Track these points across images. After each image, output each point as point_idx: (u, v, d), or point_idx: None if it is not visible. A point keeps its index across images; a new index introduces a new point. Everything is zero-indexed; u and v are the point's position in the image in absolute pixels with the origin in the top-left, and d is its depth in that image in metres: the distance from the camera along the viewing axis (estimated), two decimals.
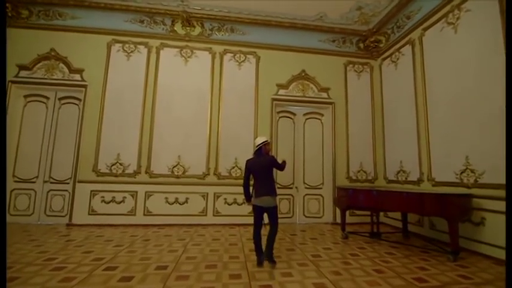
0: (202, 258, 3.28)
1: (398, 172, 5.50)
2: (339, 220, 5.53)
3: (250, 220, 5.40)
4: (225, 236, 4.48)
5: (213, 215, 5.35)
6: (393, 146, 5.74)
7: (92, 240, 4.01)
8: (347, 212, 5.02)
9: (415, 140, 5.06)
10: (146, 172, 5.33)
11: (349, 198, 4.39)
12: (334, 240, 4.30)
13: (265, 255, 3.07)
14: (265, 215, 3.24)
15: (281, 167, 3.31)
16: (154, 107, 5.53)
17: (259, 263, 3.03)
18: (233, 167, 5.57)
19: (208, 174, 5.48)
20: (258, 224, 3.17)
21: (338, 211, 5.45)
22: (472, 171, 3.90)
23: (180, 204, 5.30)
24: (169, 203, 5.27)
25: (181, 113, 5.58)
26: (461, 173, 4.07)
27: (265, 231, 3.26)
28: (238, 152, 5.62)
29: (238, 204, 5.45)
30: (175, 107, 5.59)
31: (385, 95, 6.19)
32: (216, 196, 5.41)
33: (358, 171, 6.02)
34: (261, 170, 3.22)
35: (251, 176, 3.32)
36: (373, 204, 4.02)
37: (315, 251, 3.70)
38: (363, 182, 5.99)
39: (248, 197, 3.33)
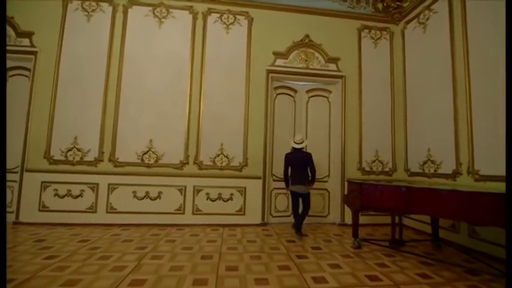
0: (153, 284, 2.28)
1: (425, 162, 4.37)
2: (348, 221, 4.49)
3: (238, 220, 4.42)
4: (202, 242, 3.48)
5: (193, 214, 4.35)
6: (418, 129, 4.59)
7: (25, 248, 3.05)
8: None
9: (451, 121, 3.90)
10: (110, 160, 4.32)
11: (365, 195, 3.30)
12: (343, 251, 3.26)
13: (294, 227, 3.96)
14: None
15: (313, 170, 3.99)
16: (121, 80, 4.46)
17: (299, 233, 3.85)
18: (218, 155, 4.51)
19: (187, 163, 4.44)
20: (295, 206, 3.98)
21: (348, 210, 4.39)
22: None
23: (151, 199, 4.30)
24: (138, 198, 4.28)
25: (154, 88, 4.50)
26: None
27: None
28: (225, 136, 4.55)
29: (223, 201, 4.43)
30: (147, 80, 4.51)
31: (408, 67, 4.98)
32: (197, 190, 4.40)
33: (373, 161, 4.91)
34: (298, 164, 3.92)
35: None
36: (400, 206, 2.93)
37: (319, 269, 2.66)
38: (378, 174, 4.89)
39: (287, 184, 4.10)
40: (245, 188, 4.48)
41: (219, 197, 4.42)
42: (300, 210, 4.00)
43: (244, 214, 4.44)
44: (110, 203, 4.24)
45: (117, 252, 3.00)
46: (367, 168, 4.87)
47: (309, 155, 3.96)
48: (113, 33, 4.54)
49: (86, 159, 4.30)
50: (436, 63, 4.27)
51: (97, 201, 4.22)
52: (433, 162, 4.25)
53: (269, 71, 4.75)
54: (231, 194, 4.45)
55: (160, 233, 3.86)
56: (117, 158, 4.33)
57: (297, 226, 3.87)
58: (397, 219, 3.64)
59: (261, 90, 4.71)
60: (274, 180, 4.81)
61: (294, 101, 5.14)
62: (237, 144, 4.56)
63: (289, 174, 4.06)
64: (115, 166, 4.32)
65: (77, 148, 4.30)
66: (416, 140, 4.65)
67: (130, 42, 4.54)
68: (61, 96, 4.35)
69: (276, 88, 4.99)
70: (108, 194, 4.24)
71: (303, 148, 4.00)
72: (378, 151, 4.93)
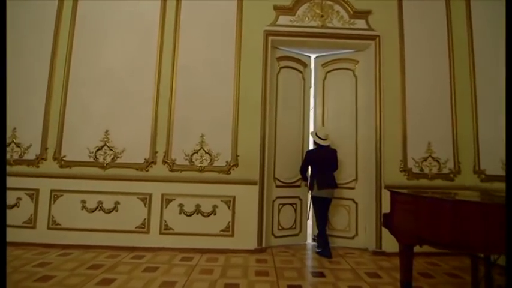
0: None
1: None
2: (387, 248, 3.03)
3: (224, 243, 3.05)
4: (152, 286, 2.23)
5: (160, 233, 3.13)
6: (497, 111, 2.96)
7: None
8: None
9: None
10: (54, 158, 3.26)
11: (428, 220, 1.82)
12: None
13: (321, 250, 3.08)
14: None
15: (336, 168, 3.26)
16: (70, 53, 3.39)
17: (330, 256, 2.99)
18: (197, 151, 3.26)
19: (154, 162, 3.24)
20: (324, 216, 3.18)
21: (387, 233, 2.86)
22: None
23: (105, 212, 3.16)
24: (87, 210, 3.16)
25: (113, 62, 3.36)
26: None
27: None
28: (207, 125, 3.28)
29: (203, 215, 3.15)
30: (103, 53, 3.39)
31: (477, 22, 3.37)
32: (166, 200, 3.17)
33: (424, 159, 3.33)
34: (324, 163, 3.17)
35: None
36: None
37: None
38: (432, 178, 3.31)
39: (304, 179, 3.45)
40: (234, 198, 3.18)
41: (197, 211, 3.16)
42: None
43: (232, 235, 3.13)
44: (52, 216, 3.16)
45: None
46: (416, 170, 3.31)
47: (335, 152, 3.24)
48: None
49: (25, 157, 3.27)
50: None
51: (36, 213, 3.17)
52: None
53: (268, 33, 3.40)
54: (214, 206, 3.16)
55: (105, 262, 2.68)
56: (64, 156, 3.25)
57: (325, 246, 3.05)
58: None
59: (257, 60, 3.37)
60: (277, 187, 3.46)
61: (303, 78, 3.78)
62: (224, 135, 3.27)
63: (307, 173, 3.36)
64: (61, 166, 3.24)
65: (15, 143, 3.29)
66: (494, 126, 3.02)
67: (84, 3, 3.46)
68: None
69: (279, 59, 3.63)
70: (50, 204, 3.17)
71: (329, 145, 3.22)
72: (431, 144, 3.36)
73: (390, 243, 2.83)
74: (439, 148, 3.35)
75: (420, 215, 1.87)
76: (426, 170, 3.32)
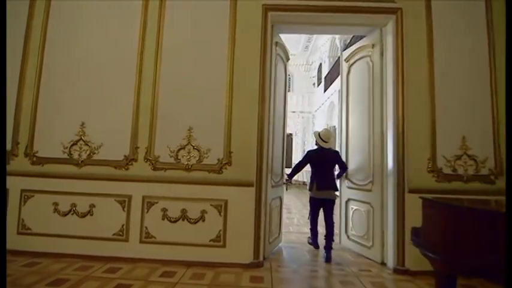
0: None
1: None
2: (411, 265, 2.51)
3: (213, 256, 2.56)
4: None
5: (140, 241, 2.70)
6: None
7: None
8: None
9: None
10: (26, 154, 2.89)
11: (481, 241, 1.27)
12: None
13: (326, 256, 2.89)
14: None
15: (345, 166, 3.26)
16: (44, 36, 3.01)
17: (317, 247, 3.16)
18: (184, 146, 2.80)
19: (135, 159, 2.81)
20: (315, 216, 3.21)
21: (411, 247, 2.29)
22: None
23: (79, 216, 2.76)
24: (60, 214, 2.77)
25: (90, 47, 2.96)
26: None
27: None
28: (195, 117, 2.82)
29: (190, 222, 2.69)
30: (80, 37, 2.98)
31: None
32: (148, 203, 2.74)
33: (458, 158, 2.73)
34: (325, 164, 3.13)
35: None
36: None
37: None
38: (467, 180, 2.70)
39: (291, 176, 3.35)
40: (226, 202, 2.70)
41: (183, 216, 2.70)
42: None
43: (223, 246, 2.65)
44: (22, 220, 2.80)
45: None
46: (447, 170, 2.71)
47: (337, 154, 3.29)
48: None
49: None
50: None
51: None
52: None
53: (268, 7, 2.88)
54: (203, 212, 2.69)
55: (72, 276, 2.28)
56: (36, 152, 2.88)
57: (327, 251, 2.89)
58: None
59: (254, 41, 2.87)
60: (273, 187, 2.99)
61: (285, 71, 3.50)
62: (215, 129, 2.80)
63: (298, 170, 3.34)
64: (32, 163, 2.87)
65: None
66: None
67: None
68: None
69: (277, 45, 3.15)
70: (20, 206, 2.81)
71: (329, 148, 3.20)
72: (465, 139, 2.75)
73: (415, 260, 2.32)
74: (476, 144, 2.74)
75: (468, 233, 1.32)
76: (460, 171, 2.71)
